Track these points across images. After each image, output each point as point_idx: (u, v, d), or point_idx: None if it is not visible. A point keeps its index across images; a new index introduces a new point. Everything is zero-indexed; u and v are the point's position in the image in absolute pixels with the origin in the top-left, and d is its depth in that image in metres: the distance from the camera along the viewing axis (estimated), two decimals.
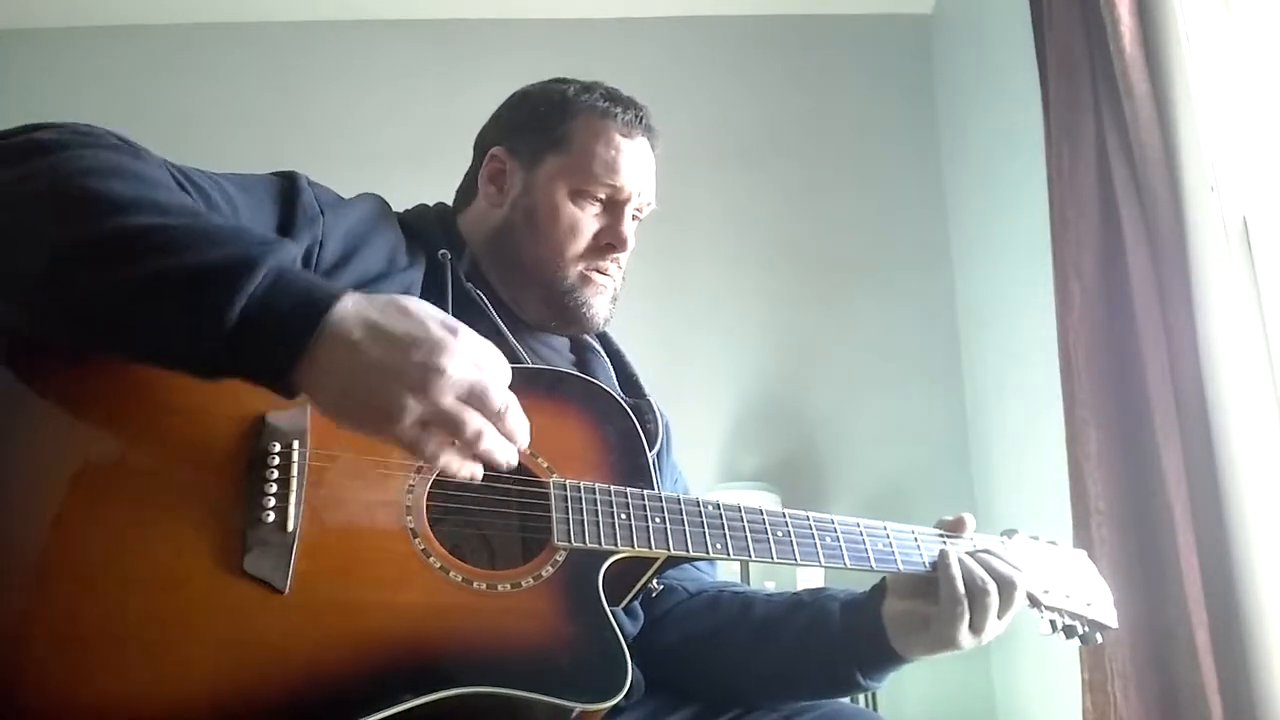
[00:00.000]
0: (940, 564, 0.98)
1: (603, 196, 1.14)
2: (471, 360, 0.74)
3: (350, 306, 0.72)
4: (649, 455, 0.99)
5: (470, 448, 0.74)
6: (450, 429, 0.73)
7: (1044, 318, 2.09)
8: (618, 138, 1.15)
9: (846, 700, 1.12)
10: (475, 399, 0.73)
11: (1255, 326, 1.71)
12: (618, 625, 0.84)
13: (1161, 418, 1.71)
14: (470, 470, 0.76)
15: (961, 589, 0.96)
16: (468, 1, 3.23)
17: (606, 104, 1.16)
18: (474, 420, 0.73)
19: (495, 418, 0.74)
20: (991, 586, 0.97)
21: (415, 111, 3.15)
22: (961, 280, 3.03)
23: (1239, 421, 1.70)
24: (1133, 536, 1.73)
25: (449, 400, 0.72)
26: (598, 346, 1.25)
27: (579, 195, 1.14)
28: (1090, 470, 1.81)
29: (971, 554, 1.00)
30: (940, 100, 3.20)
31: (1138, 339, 1.77)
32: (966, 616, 0.95)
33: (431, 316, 0.74)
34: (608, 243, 1.15)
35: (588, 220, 1.14)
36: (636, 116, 1.17)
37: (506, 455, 0.77)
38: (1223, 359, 1.73)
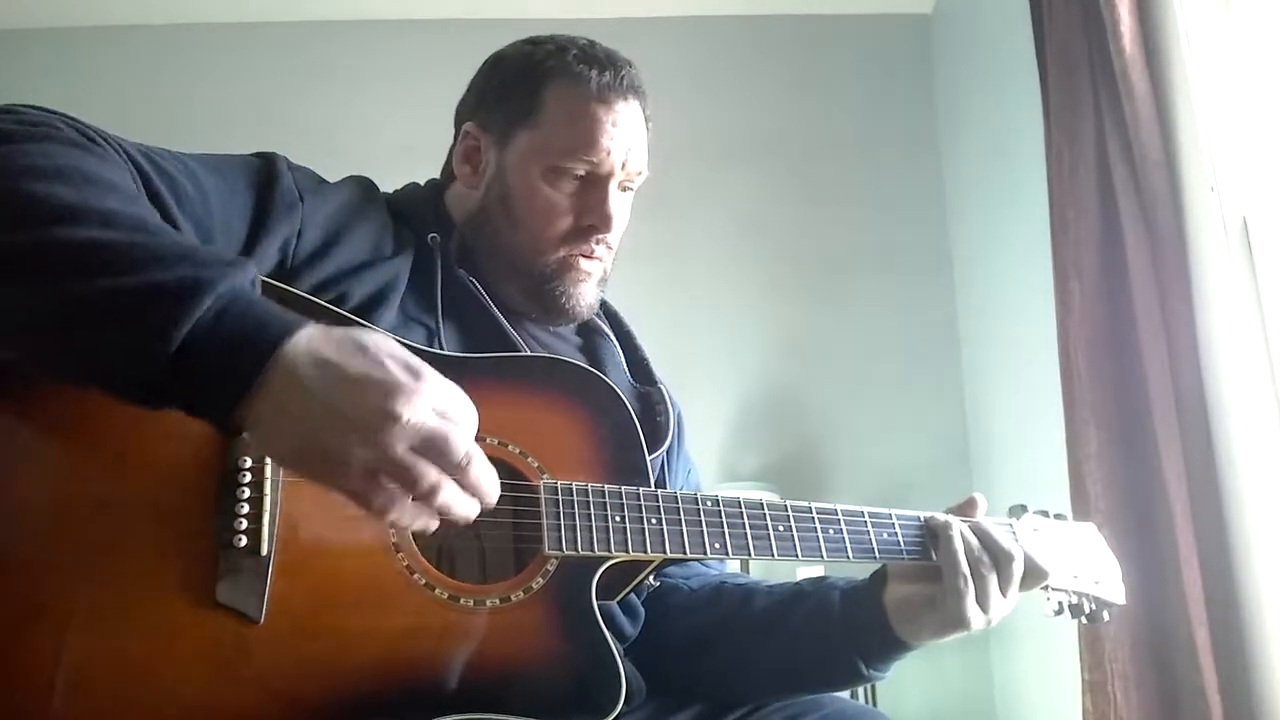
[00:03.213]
0: (941, 538, 0.96)
1: (581, 173, 1.03)
2: (431, 406, 0.66)
3: (304, 342, 0.66)
4: (645, 451, 0.93)
5: (425, 502, 0.67)
6: (402, 481, 0.66)
7: (1044, 318, 2.09)
8: (593, 105, 1.02)
9: (848, 697, 1.11)
10: (433, 450, 0.66)
11: (1255, 326, 1.71)
12: (616, 627, 0.83)
13: (1161, 418, 1.71)
14: (423, 523, 0.69)
15: (964, 561, 0.94)
16: (468, 1, 3.23)
17: (581, 66, 1.04)
18: (429, 474, 0.66)
19: (456, 470, 0.67)
20: (987, 558, 0.95)
21: (415, 111, 3.13)
22: (961, 280, 3.03)
23: (1239, 421, 1.70)
24: (1133, 536, 1.73)
25: (401, 450, 0.65)
26: (607, 329, 1.17)
27: (554, 173, 1.03)
28: (1090, 470, 1.81)
29: (970, 526, 0.97)
30: (940, 100, 3.20)
31: (1138, 339, 1.77)
32: (971, 590, 0.93)
33: (392, 355, 0.67)
34: (590, 224, 1.04)
35: (565, 201, 1.03)
36: (616, 77, 1.05)
37: (466, 511, 0.69)
38: (1223, 359, 1.73)
